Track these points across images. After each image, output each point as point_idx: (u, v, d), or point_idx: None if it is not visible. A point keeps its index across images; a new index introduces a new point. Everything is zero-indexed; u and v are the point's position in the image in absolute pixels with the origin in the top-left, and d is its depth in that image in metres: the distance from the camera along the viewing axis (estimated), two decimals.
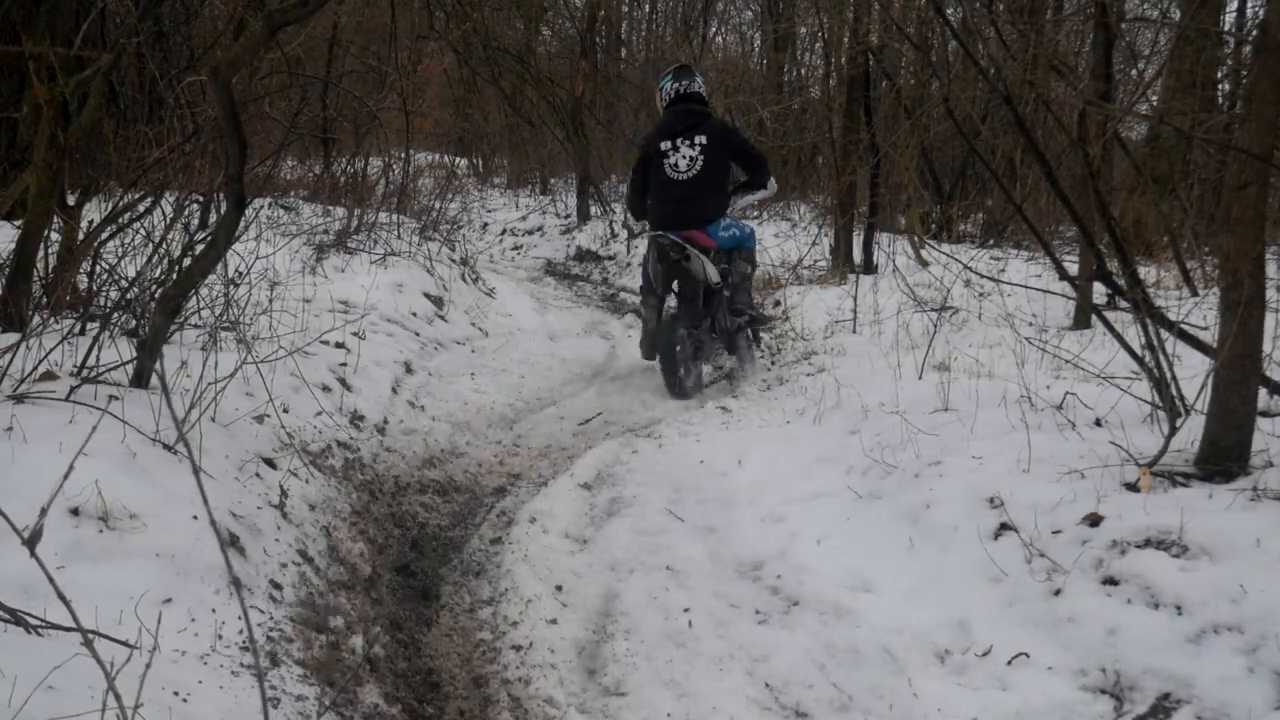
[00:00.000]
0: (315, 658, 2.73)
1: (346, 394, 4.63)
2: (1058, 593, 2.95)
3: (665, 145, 5.71)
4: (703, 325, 5.81)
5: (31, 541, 1.46)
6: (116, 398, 3.30)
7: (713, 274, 5.63)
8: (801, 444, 4.53)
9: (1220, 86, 9.72)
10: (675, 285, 5.79)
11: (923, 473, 3.80)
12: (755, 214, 10.98)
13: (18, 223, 4.22)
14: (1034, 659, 2.78)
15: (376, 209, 7.56)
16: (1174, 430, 3.36)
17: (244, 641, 2.55)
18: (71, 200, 4.41)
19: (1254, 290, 3.11)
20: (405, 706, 2.79)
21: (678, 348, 5.61)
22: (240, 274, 4.67)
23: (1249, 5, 10.96)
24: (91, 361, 3.43)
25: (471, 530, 4.06)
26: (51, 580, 1.43)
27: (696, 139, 5.65)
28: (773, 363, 6.27)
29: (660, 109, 5.92)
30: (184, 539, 2.73)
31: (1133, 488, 3.22)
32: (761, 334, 6.27)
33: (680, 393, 5.62)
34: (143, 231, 4.22)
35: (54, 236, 4.10)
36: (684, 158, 5.65)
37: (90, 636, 1.57)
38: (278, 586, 2.96)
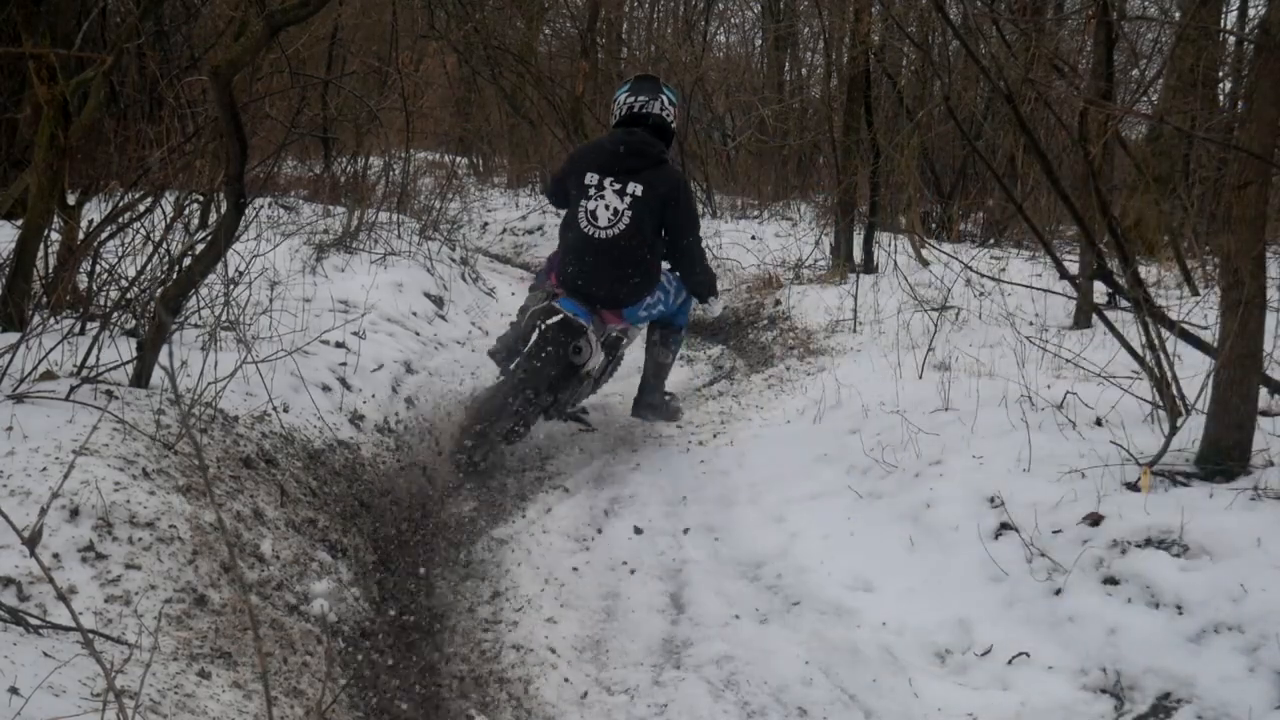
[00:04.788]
0: (317, 658, 2.73)
1: (346, 394, 4.63)
2: (1058, 592, 2.95)
3: (591, 179, 4.23)
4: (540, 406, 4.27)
5: (31, 541, 1.46)
6: (116, 397, 3.31)
7: (596, 368, 4.40)
8: (802, 444, 4.53)
9: (1221, 86, 9.71)
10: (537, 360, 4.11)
11: (923, 472, 3.80)
12: (755, 215, 10.97)
13: (18, 223, 4.22)
14: (1034, 658, 2.78)
15: (377, 209, 7.55)
16: (1174, 430, 3.36)
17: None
18: (71, 200, 4.41)
19: (1254, 290, 3.11)
20: (407, 706, 2.79)
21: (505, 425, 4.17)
22: (240, 274, 4.66)
23: (1250, 5, 10.96)
24: (91, 361, 3.43)
25: (472, 530, 4.06)
26: (51, 580, 1.44)
27: (630, 187, 4.16)
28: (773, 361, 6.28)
29: (610, 125, 4.48)
30: (184, 539, 2.73)
31: (1133, 487, 3.22)
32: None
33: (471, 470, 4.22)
34: (143, 231, 4.22)
35: (54, 236, 4.10)
36: (607, 208, 4.14)
37: (90, 636, 1.57)
38: (279, 588, 2.96)
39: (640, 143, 4.22)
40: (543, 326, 4.08)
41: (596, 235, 4.17)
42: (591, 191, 4.21)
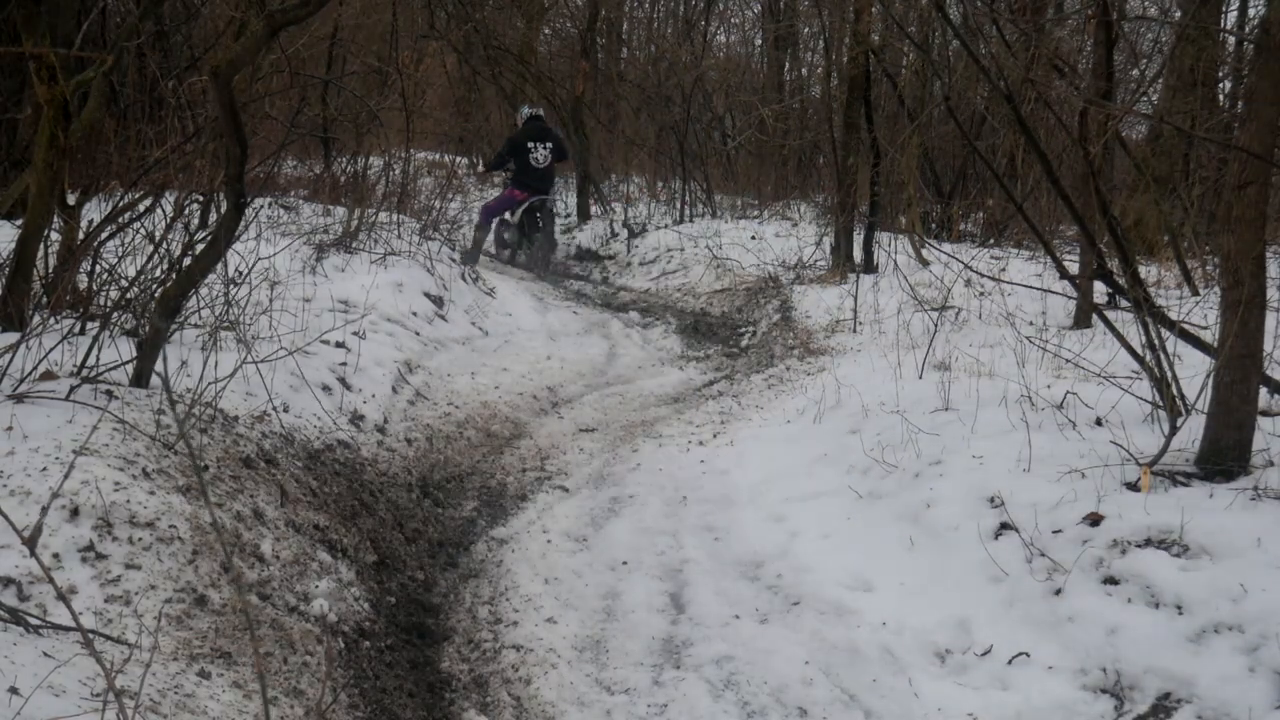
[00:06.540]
0: (317, 658, 2.73)
1: (346, 394, 4.63)
2: (1058, 592, 2.95)
3: (532, 144, 9.52)
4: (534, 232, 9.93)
5: (31, 541, 1.46)
6: (116, 397, 3.31)
7: (551, 206, 9.97)
8: (802, 444, 4.53)
9: (1221, 86, 9.71)
10: (522, 214, 9.70)
11: (923, 472, 3.80)
12: (755, 215, 10.99)
13: (18, 222, 4.22)
14: (1034, 658, 2.78)
15: (377, 209, 7.54)
16: (1174, 430, 3.36)
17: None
18: (71, 200, 4.41)
19: (1254, 289, 3.11)
20: (407, 706, 2.78)
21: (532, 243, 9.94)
22: (240, 274, 4.66)
23: (1250, 5, 10.95)
24: (91, 361, 3.43)
25: (472, 530, 4.06)
26: (51, 580, 1.44)
27: (547, 143, 9.61)
28: (771, 358, 6.29)
29: (519, 124, 9.82)
30: (184, 539, 2.73)
31: (1133, 487, 3.22)
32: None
33: (517, 261, 10.02)
34: (143, 231, 4.22)
35: (54, 236, 4.09)
36: (543, 154, 9.54)
37: (90, 636, 1.57)
38: (279, 587, 2.96)
39: (546, 124, 9.92)
40: (535, 203, 9.62)
41: (539, 167, 9.57)
42: (532, 149, 9.53)
